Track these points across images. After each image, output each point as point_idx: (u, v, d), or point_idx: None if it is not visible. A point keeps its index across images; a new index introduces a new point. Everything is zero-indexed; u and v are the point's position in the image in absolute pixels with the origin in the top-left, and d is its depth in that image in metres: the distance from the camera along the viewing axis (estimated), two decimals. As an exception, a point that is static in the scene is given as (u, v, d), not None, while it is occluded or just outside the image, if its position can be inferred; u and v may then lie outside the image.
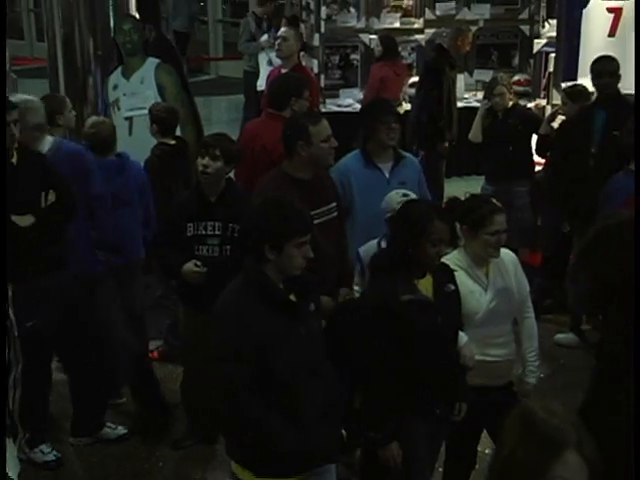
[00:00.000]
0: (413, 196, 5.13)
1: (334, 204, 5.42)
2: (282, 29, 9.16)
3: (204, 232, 5.35)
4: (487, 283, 4.69)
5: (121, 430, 6.01)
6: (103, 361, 5.93)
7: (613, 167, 6.47)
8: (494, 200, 4.84)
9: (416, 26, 11.59)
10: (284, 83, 6.79)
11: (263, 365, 3.80)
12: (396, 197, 5.11)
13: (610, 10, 8.61)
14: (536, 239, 8.00)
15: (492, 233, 4.62)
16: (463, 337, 4.49)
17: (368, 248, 5.18)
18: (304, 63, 9.44)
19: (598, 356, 4.55)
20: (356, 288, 5.27)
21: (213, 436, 5.68)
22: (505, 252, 4.77)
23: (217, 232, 5.33)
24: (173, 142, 6.83)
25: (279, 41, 8.65)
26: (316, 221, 5.00)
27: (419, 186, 5.80)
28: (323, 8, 11.21)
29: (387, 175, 5.80)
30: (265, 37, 11.58)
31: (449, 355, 4.40)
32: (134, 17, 8.08)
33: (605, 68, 6.93)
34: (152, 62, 7.76)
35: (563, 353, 7.02)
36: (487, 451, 5.25)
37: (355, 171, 5.82)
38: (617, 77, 7.02)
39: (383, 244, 5.08)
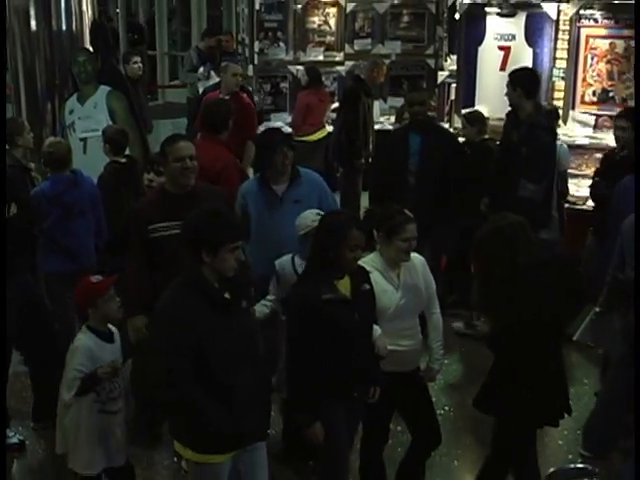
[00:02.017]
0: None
1: None
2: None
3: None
4: (398, 283, 4.69)
5: (76, 415, 5.90)
6: (59, 353, 5.83)
7: (433, 185, 6.81)
8: (406, 211, 4.84)
9: (337, 59, 11.60)
10: (219, 109, 6.70)
11: (200, 356, 3.78)
12: (310, 216, 4.99)
13: (501, 48, 8.75)
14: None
15: (404, 240, 4.63)
16: (377, 330, 4.48)
17: (282, 262, 5.08)
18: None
19: (489, 345, 4.57)
20: (272, 297, 5.12)
21: (158, 419, 5.60)
22: (415, 256, 4.78)
23: None
24: (123, 160, 6.74)
25: None
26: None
27: (321, 200, 5.51)
28: (256, 43, 11.22)
29: (280, 195, 5.51)
30: (201, 69, 11.50)
31: (365, 346, 4.38)
32: (88, 50, 8.00)
33: (416, 98, 7.15)
34: (104, 89, 7.67)
35: (465, 342, 7.06)
36: (399, 428, 5.26)
37: (251, 193, 5.59)
38: (425, 105, 7.27)
39: (297, 259, 5.01)
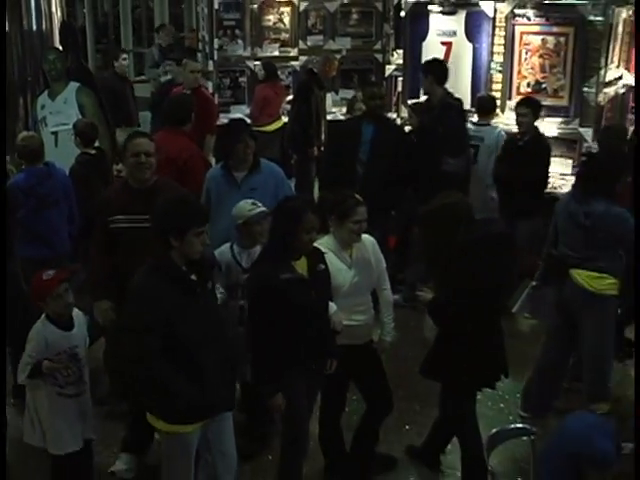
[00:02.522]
0: (260, 205, 4.94)
1: None
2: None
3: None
4: (351, 262, 4.72)
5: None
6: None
7: (382, 173, 6.79)
8: (357, 195, 4.87)
9: (292, 54, 11.55)
10: (183, 102, 6.70)
11: (169, 334, 3.80)
12: (246, 206, 4.95)
13: (443, 44, 8.80)
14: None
15: (355, 222, 4.66)
16: (333, 307, 4.51)
17: (221, 251, 5.01)
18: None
19: (429, 313, 4.64)
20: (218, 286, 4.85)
21: (131, 394, 5.57)
22: (365, 237, 4.81)
23: None
24: (93, 152, 6.71)
25: None
26: (139, 225, 4.64)
27: (277, 188, 5.47)
28: (216, 40, 11.14)
29: (239, 182, 5.48)
30: (161, 67, 11.41)
31: (321, 322, 4.42)
32: (58, 49, 7.92)
33: (376, 93, 7.14)
34: (73, 86, 7.61)
35: (414, 316, 7.09)
36: (354, 397, 5.31)
37: (214, 178, 5.59)
38: (384, 99, 7.35)
39: (235, 247, 4.98)
